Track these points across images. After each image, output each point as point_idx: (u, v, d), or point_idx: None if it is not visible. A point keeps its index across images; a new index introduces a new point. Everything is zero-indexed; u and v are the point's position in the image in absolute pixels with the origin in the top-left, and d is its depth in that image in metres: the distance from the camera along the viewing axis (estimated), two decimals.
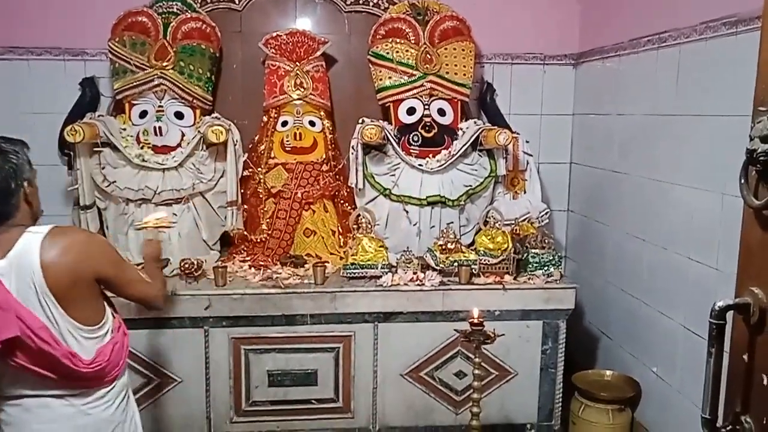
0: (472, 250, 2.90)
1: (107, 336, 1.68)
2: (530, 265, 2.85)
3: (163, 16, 3.07)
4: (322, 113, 3.22)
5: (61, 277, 1.54)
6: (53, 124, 3.13)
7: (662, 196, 2.70)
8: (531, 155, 3.28)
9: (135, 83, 2.97)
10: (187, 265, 2.74)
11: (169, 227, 2.53)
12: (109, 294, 1.78)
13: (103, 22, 3.04)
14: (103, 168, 2.92)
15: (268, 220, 3.13)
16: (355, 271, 2.80)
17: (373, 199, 3.12)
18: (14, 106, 3.28)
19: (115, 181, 2.89)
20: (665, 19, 2.68)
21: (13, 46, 3.27)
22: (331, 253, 3.13)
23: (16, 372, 1.56)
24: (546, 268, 2.84)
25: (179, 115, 3.02)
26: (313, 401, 2.77)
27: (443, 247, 2.86)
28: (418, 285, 2.74)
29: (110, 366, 1.66)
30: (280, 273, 2.85)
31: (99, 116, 3.02)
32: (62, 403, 1.62)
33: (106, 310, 1.71)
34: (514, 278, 2.83)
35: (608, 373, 2.94)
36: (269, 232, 3.11)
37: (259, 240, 3.11)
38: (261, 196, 3.16)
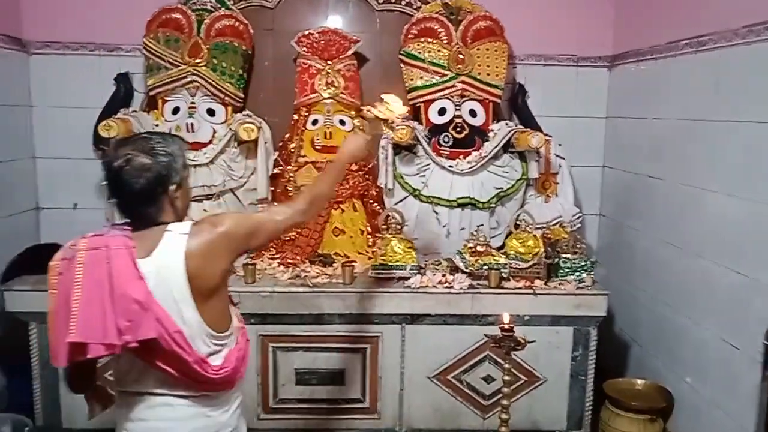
0: (502, 253, 2.87)
1: (233, 343, 1.66)
2: (561, 271, 2.81)
3: (197, 13, 3.09)
4: (352, 112, 3.21)
5: (203, 275, 1.53)
6: (88, 118, 3.17)
7: (696, 203, 2.64)
8: (563, 158, 3.24)
9: (168, 80, 3.00)
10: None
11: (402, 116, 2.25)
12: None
13: (138, 19, 3.07)
14: None
15: None
16: (383, 271, 2.79)
17: (402, 200, 3.11)
18: (50, 101, 3.33)
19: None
20: (705, 22, 2.61)
21: (50, 41, 3.31)
22: (360, 253, 3.12)
23: (145, 368, 1.56)
24: (578, 273, 2.80)
25: (211, 112, 3.03)
26: (339, 401, 2.76)
27: (473, 249, 2.83)
28: (447, 287, 2.72)
29: (235, 372, 1.65)
30: (309, 272, 2.85)
31: (132, 112, 3.05)
32: (185, 403, 1.60)
33: (231, 315, 1.69)
34: (545, 283, 2.79)
35: (640, 381, 2.89)
36: (298, 230, 3.10)
37: (288, 238, 3.11)
38: (291, 194, 3.15)
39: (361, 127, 3.22)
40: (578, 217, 3.19)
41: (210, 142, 2.99)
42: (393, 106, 2.17)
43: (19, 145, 3.25)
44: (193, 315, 1.54)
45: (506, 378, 2.21)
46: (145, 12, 3.06)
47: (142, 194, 1.52)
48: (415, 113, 3.24)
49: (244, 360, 1.70)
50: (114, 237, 1.52)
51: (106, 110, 3.12)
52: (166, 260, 1.51)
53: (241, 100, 3.15)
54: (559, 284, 2.79)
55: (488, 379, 2.77)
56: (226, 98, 3.05)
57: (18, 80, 3.25)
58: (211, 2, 3.14)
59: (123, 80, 3.26)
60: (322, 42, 3.15)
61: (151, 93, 3.06)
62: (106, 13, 3.28)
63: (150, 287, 1.49)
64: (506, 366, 2.20)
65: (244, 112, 3.12)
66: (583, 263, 2.83)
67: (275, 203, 3.14)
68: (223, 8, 3.13)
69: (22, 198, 3.27)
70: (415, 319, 2.72)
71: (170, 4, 3.07)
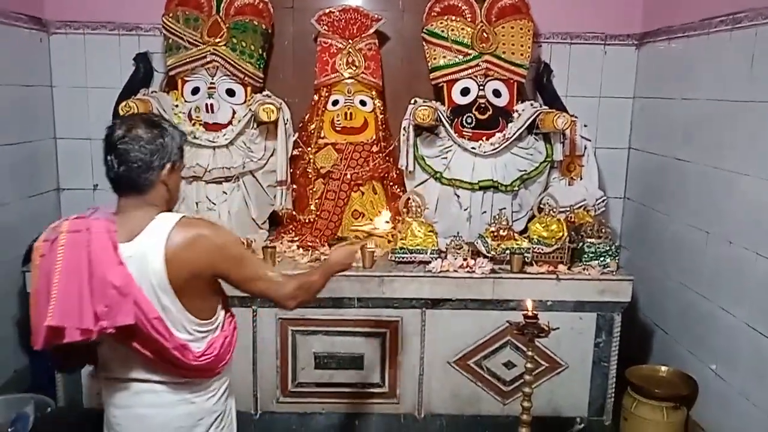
0: (524, 237, 2.82)
1: (218, 330, 1.64)
2: (585, 255, 2.76)
3: None
4: (373, 92, 3.15)
5: (181, 271, 1.50)
6: (107, 98, 3.15)
7: (728, 187, 2.56)
8: (589, 140, 3.16)
9: (188, 59, 2.96)
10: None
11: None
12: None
13: None
14: None
15: (316, 200, 3.10)
16: (403, 255, 2.76)
17: (423, 182, 3.06)
18: (70, 80, 3.33)
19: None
20: None
21: (70, 21, 3.29)
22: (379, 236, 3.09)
23: (127, 354, 1.55)
24: (602, 258, 2.74)
25: (230, 93, 3.00)
26: (358, 385, 2.76)
27: (495, 233, 2.78)
28: (468, 272, 2.68)
29: (218, 359, 1.62)
30: (328, 255, 2.82)
31: (152, 92, 3.03)
32: (168, 389, 1.59)
33: (218, 305, 1.66)
34: (568, 268, 2.74)
35: (663, 368, 2.84)
36: (318, 212, 3.08)
37: (307, 220, 3.09)
38: (310, 176, 3.12)
39: (381, 108, 3.17)
40: (603, 201, 3.12)
41: (229, 123, 2.96)
42: (378, 224, 2.23)
43: (40, 125, 3.25)
44: (172, 303, 1.52)
45: (529, 365, 2.17)
46: None
47: (138, 161, 1.50)
48: (437, 93, 3.18)
49: (230, 347, 1.67)
50: (96, 220, 1.49)
51: (126, 90, 3.10)
52: (147, 247, 1.49)
53: (260, 80, 3.10)
54: (583, 269, 2.74)
55: (509, 365, 2.74)
56: (246, 78, 3.01)
57: (38, 60, 3.25)
58: None
59: (142, 60, 3.23)
60: (343, 20, 3.08)
61: (171, 73, 3.03)
62: None
63: (131, 271, 1.47)
64: (529, 353, 2.16)
65: (263, 93, 3.08)
66: (608, 248, 2.77)
67: (294, 185, 3.11)
68: None
69: (43, 179, 3.28)
70: (435, 303, 2.69)
71: None
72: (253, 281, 1.65)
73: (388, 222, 2.24)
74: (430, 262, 2.72)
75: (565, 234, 2.78)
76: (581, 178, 3.16)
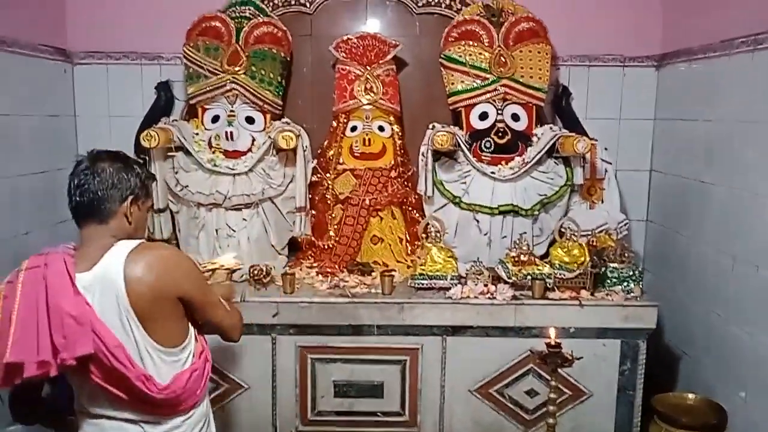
0: (546, 262, 2.78)
1: (188, 361, 1.62)
2: (608, 281, 2.72)
3: (236, 20, 3.08)
4: (391, 118, 3.16)
5: (143, 294, 1.50)
6: (129, 126, 3.19)
7: (754, 210, 2.51)
8: (610, 163, 3.13)
9: (208, 88, 2.99)
10: (256, 272, 2.74)
11: (237, 269, 2.46)
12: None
13: (178, 27, 3.07)
14: (176, 172, 2.96)
15: (335, 226, 3.10)
16: (423, 281, 2.74)
17: (442, 207, 3.04)
18: (93, 110, 3.39)
19: (187, 186, 2.92)
20: (763, 18, 2.48)
21: (93, 51, 3.36)
22: (398, 261, 3.08)
23: (93, 389, 1.53)
24: (626, 283, 2.70)
25: (250, 120, 3.02)
26: (378, 414, 2.73)
27: (516, 258, 2.75)
28: (489, 298, 2.65)
29: (186, 394, 1.60)
30: (347, 281, 2.82)
31: (173, 120, 3.06)
32: (137, 429, 1.57)
33: (189, 332, 1.65)
34: (591, 294, 2.70)
35: (691, 396, 2.76)
36: (337, 238, 3.08)
37: (326, 246, 3.09)
38: (329, 202, 3.13)
39: (399, 133, 3.18)
40: (625, 225, 3.08)
41: (249, 150, 2.98)
42: (226, 258, 2.34)
43: (63, 154, 3.29)
44: (137, 331, 1.51)
45: (552, 395, 2.14)
46: (185, 21, 3.06)
47: (99, 191, 1.54)
48: (455, 118, 3.18)
49: (200, 380, 1.65)
50: (53, 253, 1.51)
51: (147, 119, 3.14)
52: (106, 273, 1.49)
53: (279, 108, 3.13)
54: (606, 295, 2.70)
55: (531, 393, 2.70)
56: (265, 106, 3.03)
57: (62, 90, 3.31)
58: (250, 9, 3.13)
59: (164, 89, 3.28)
60: (361, 47, 3.10)
61: (191, 101, 3.07)
62: (147, 23, 3.30)
63: (90, 300, 1.46)
64: (553, 383, 2.13)
65: (282, 120, 3.10)
66: (631, 273, 2.73)
67: (313, 211, 3.11)
68: (261, 15, 3.11)
69: (65, 208, 3.30)
70: (456, 330, 2.66)
71: (210, 12, 3.06)
72: (214, 308, 1.70)
73: (235, 257, 2.35)
74: (450, 288, 2.70)
75: (587, 259, 2.74)
76: (602, 202, 3.12)
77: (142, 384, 1.52)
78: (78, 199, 1.57)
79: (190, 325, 1.67)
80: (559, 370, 2.16)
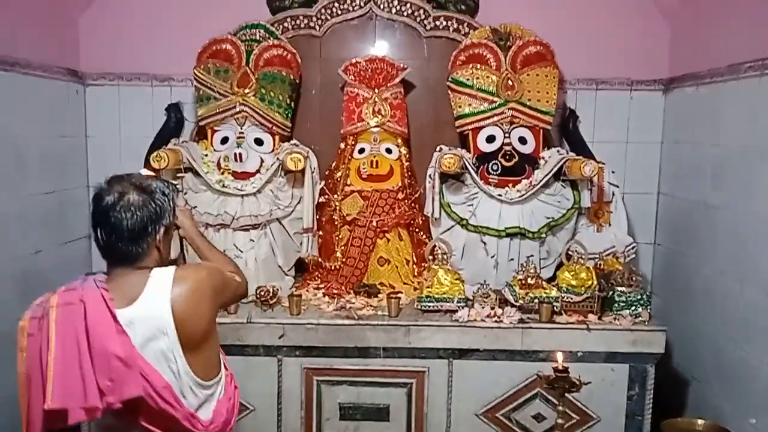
0: (553, 285, 2.77)
1: (220, 392, 1.59)
2: (616, 304, 2.70)
3: (246, 43, 3.11)
4: (399, 140, 3.18)
5: (195, 325, 1.46)
6: (140, 147, 3.23)
7: (762, 234, 2.50)
8: (617, 186, 3.13)
9: (218, 110, 3.02)
10: (263, 293, 2.74)
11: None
12: None
13: (189, 49, 3.10)
14: (185, 193, 2.97)
15: (342, 247, 3.10)
16: (430, 304, 2.74)
17: (449, 229, 3.05)
18: (104, 130, 3.43)
19: (195, 206, 2.94)
20: None
21: (105, 72, 3.41)
22: (405, 283, 3.08)
23: (129, 429, 1.47)
24: (633, 307, 2.69)
25: (259, 142, 3.04)
26: None
27: (523, 282, 2.74)
28: (496, 321, 2.64)
29: (226, 425, 1.58)
30: (354, 303, 2.82)
31: (183, 142, 3.09)
32: None
33: (221, 361, 1.62)
34: (599, 318, 2.69)
35: (700, 422, 2.72)
36: (343, 259, 3.08)
37: (333, 267, 3.09)
38: (336, 223, 3.14)
39: (406, 155, 3.19)
40: (633, 248, 3.07)
41: (257, 171, 3.00)
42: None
43: (74, 174, 3.34)
44: (182, 365, 1.45)
45: (560, 421, 2.11)
46: (196, 43, 3.10)
47: (131, 232, 1.46)
48: (462, 140, 3.19)
49: (234, 410, 1.64)
50: (89, 290, 1.42)
51: (157, 140, 3.18)
52: (150, 308, 1.43)
53: (288, 129, 3.15)
54: (614, 319, 2.68)
55: (539, 418, 2.67)
56: (274, 128, 3.06)
57: (74, 111, 3.35)
58: (260, 32, 3.16)
59: (174, 110, 3.32)
60: (370, 70, 3.13)
61: (201, 123, 3.10)
62: (159, 45, 3.35)
63: (133, 340, 1.39)
64: (560, 408, 2.10)
65: (291, 142, 3.12)
66: (639, 297, 2.71)
67: (320, 232, 3.12)
68: (271, 38, 3.15)
69: (75, 227, 3.35)
70: (462, 353, 2.65)
71: (220, 35, 3.10)
72: (233, 295, 1.76)
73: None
74: (457, 310, 2.69)
75: (595, 282, 2.73)
76: (610, 225, 3.12)
77: (189, 422, 1.47)
78: (106, 239, 1.48)
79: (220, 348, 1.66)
80: (567, 394, 2.14)
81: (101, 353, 1.36)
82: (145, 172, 2.16)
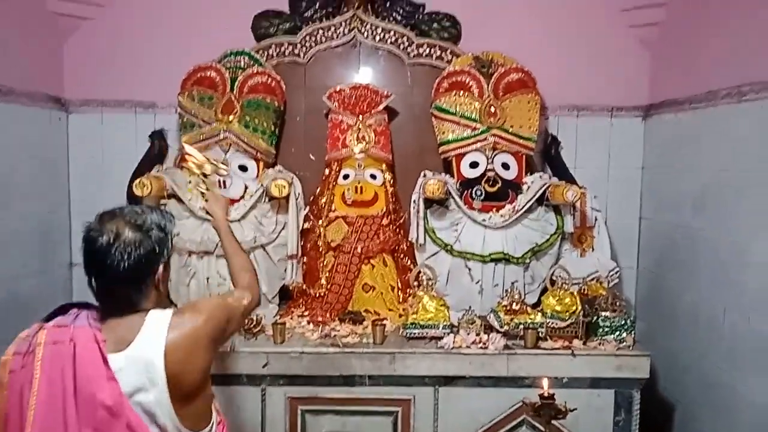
0: (538, 311, 2.78)
1: None
2: (600, 329, 2.71)
3: (231, 70, 3.13)
4: (383, 166, 3.19)
5: (184, 373, 1.37)
6: (122, 174, 3.21)
7: (743, 259, 2.54)
8: (599, 211, 3.16)
9: (202, 137, 3.02)
10: (246, 321, 2.71)
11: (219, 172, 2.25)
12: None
13: (173, 76, 3.11)
14: None
15: (327, 274, 3.09)
16: (415, 330, 2.72)
17: (433, 254, 3.05)
18: (86, 157, 3.41)
19: (178, 233, 2.91)
20: (746, 72, 2.55)
21: (88, 99, 3.40)
22: (390, 310, 3.06)
23: None
24: (618, 332, 2.69)
25: (243, 168, 3.04)
26: None
27: (508, 307, 2.75)
28: (482, 348, 2.63)
29: None
30: (339, 330, 2.79)
31: (166, 169, 3.08)
32: None
33: (212, 410, 1.54)
34: (584, 343, 2.69)
35: None
36: (328, 286, 3.06)
37: (317, 294, 3.07)
38: (321, 249, 3.13)
39: (391, 181, 3.20)
40: (616, 273, 3.08)
41: (241, 198, 2.99)
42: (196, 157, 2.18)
43: (55, 200, 3.31)
44: (170, 418, 1.37)
45: None
46: (180, 70, 3.11)
47: (128, 274, 1.37)
48: (446, 166, 3.21)
49: None
50: (80, 328, 1.35)
51: (141, 167, 3.16)
52: (143, 355, 1.34)
53: (272, 156, 3.16)
54: (599, 344, 2.68)
55: None
56: (258, 154, 3.06)
57: (57, 138, 3.33)
58: (244, 60, 3.18)
59: (158, 137, 3.31)
60: (354, 97, 3.15)
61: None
62: (143, 72, 3.35)
63: (122, 387, 1.31)
64: None
65: (275, 168, 3.13)
66: (623, 322, 2.72)
67: (304, 259, 3.11)
68: (256, 65, 3.17)
69: (56, 254, 3.31)
70: (448, 381, 2.63)
71: (205, 62, 3.12)
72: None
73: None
74: (442, 337, 2.68)
75: (579, 308, 2.74)
76: (593, 249, 3.13)
77: None
78: (102, 283, 1.40)
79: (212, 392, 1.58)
80: (553, 421, 2.13)
81: (87, 400, 1.29)
82: (189, 149, 2.17)
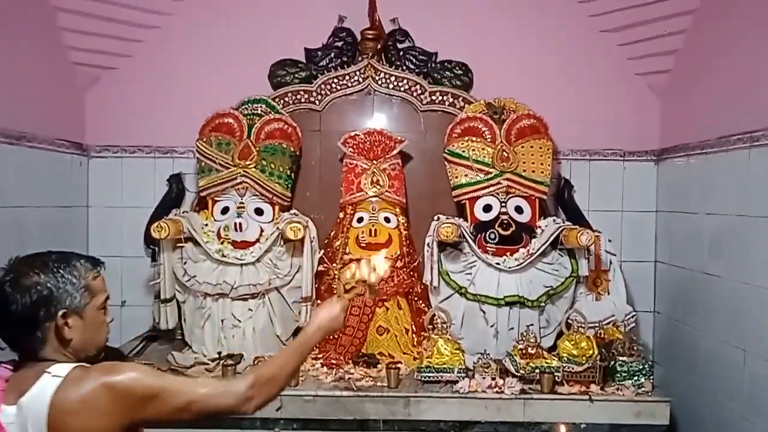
0: (554, 355, 2.75)
1: None
2: (618, 375, 2.67)
3: (248, 117, 3.21)
4: (397, 210, 3.22)
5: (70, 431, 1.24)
6: (141, 217, 3.29)
7: (762, 304, 2.50)
8: (614, 254, 3.15)
9: (219, 181, 3.08)
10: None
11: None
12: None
13: (191, 122, 3.20)
14: (185, 262, 2.99)
15: None
16: (430, 374, 2.70)
17: (448, 297, 3.04)
18: (105, 200, 3.48)
19: (195, 276, 2.94)
20: (758, 117, 2.57)
21: (109, 145, 3.48)
22: (404, 353, 3.04)
23: None
24: (636, 378, 2.65)
25: (259, 212, 3.08)
26: None
27: (523, 351, 2.72)
28: (497, 392, 2.59)
29: None
30: (353, 373, 2.78)
31: (183, 212, 3.13)
32: None
33: None
34: (601, 388, 2.65)
35: None
36: (342, 328, 3.05)
37: (331, 337, 3.06)
38: (335, 292, 3.12)
39: (405, 224, 3.22)
40: (632, 317, 3.06)
41: (257, 240, 3.02)
42: (378, 268, 1.92)
43: (74, 244, 3.34)
44: None
45: None
46: (198, 117, 3.20)
47: (21, 318, 1.31)
48: (459, 210, 3.24)
49: None
50: None
51: (159, 210, 3.23)
52: (31, 409, 1.24)
53: (288, 199, 3.21)
54: (617, 389, 2.64)
55: None
56: (274, 198, 3.11)
57: (77, 182, 3.41)
58: (261, 107, 3.26)
59: (176, 181, 3.38)
60: (368, 143, 3.21)
61: (203, 193, 3.15)
62: (162, 119, 3.45)
63: None
64: None
65: (291, 211, 3.17)
66: (641, 366, 2.68)
67: (319, 301, 3.11)
68: (273, 112, 3.24)
69: None
70: (464, 426, 2.59)
71: (223, 109, 3.20)
72: (186, 408, 1.36)
73: (383, 264, 1.94)
74: (457, 381, 2.65)
75: (596, 352, 2.71)
76: (608, 293, 3.12)
77: None
78: (2, 323, 1.34)
79: None
80: None
81: None
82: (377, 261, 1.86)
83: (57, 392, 1.25)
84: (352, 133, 3.23)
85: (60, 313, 1.34)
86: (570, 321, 2.81)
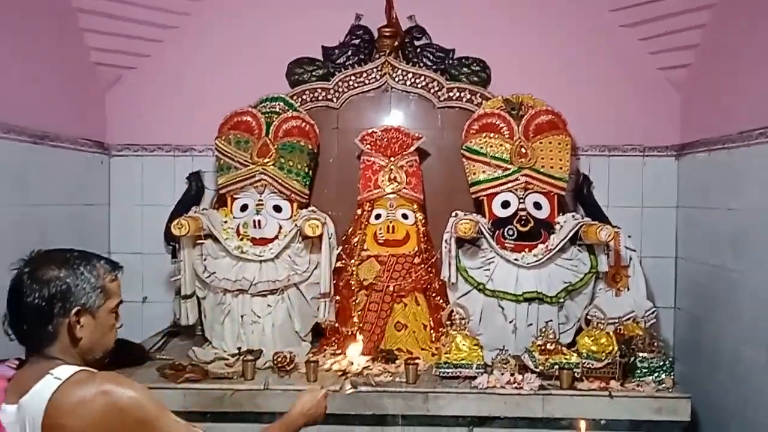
0: (573, 351, 2.73)
1: None
2: (638, 371, 2.64)
3: (266, 115, 3.23)
4: (414, 206, 3.22)
5: None
6: (161, 215, 3.33)
7: None
8: (634, 250, 3.13)
9: (238, 179, 3.11)
10: (280, 359, 2.73)
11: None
12: None
13: (210, 121, 3.23)
14: (205, 259, 3.02)
15: (359, 312, 3.09)
16: (448, 370, 2.70)
17: (466, 293, 3.04)
18: (126, 198, 3.53)
19: (214, 272, 2.97)
20: None
21: (129, 144, 3.53)
22: (423, 349, 3.04)
23: None
24: (656, 374, 2.63)
25: (277, 209, 3.11)
26: None
27: (542, 347, 2.71)
28: (516, 388, 2.59)
29: None
30: (371, 369, 2.78)
31: (203, 209, 3.16)
32: None
33: None
34: (621, 384, 2.63)
35: None
36: (360, 324, 3.07)
37: (350, 332, 3.07)
38: (353, 288, 3.14)
39: (422, 221, 3.22)
40: (653, 313, 3.03)
41: (276, 237, 3.04)
42: (354, 360, 2.34)
43: (95, 241, 3.40)
44: None
45: None
46: (217, 115, 3.22)
47: (35, 310, 1.30)
48: (477, 206, 3.23)
49: None
50: None
51: (178, 208, 3.26)
52: (29, 408, 1.23)
53: (306, 196, 3.22)
54: (637, 386, 2.62)
55: None
56: (293, 195, 3.13)
57: (98, 181, 3.46)
58: (280, 105, 3.28)
59: (195, 179, 3.42)
60: (385, 139, 3.21)
61: (222, 191, 3.18)
62: (181, 118, 3.49)
63: None
64: None
65: (309, 208, 3.19)
66: (662, 363, 2.65)
67: (337, 297, 3.13)
68: (290, 110, 3.26)
69: None
70: (483, 421, 2.58)
71: (242, 107, 3.23)
72: None
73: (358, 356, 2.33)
74: (476, 377, 2.65)
75: (616, 348, 2.68)
76: (628, 289, 3.09)
77: None
78: (16, 315, 1.33)
79: None
80: None
81: None
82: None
83: (56, 393, 1.24)
84: (370, 131, 3.24)
85: (74, 310, 1.34)
86: (589, 317, 2.79)
